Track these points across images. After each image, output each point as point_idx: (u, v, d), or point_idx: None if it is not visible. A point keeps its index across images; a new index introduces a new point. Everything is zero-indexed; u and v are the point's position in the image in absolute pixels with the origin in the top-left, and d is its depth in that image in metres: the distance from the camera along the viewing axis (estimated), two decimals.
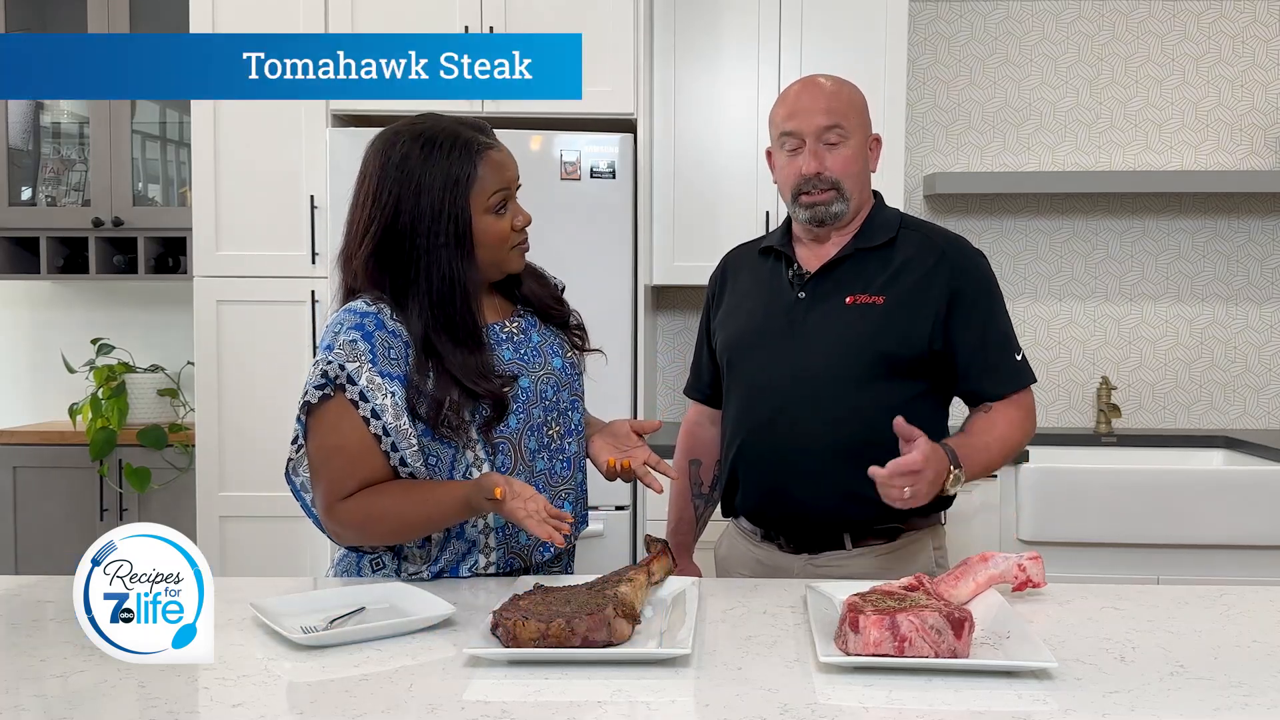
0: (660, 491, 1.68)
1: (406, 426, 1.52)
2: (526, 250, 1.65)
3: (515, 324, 1.67)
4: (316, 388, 1.52)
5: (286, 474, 1.62)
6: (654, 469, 1.64)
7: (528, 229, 1.63)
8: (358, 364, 1.51)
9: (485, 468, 1.58)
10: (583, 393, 1.72)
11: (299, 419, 1.56)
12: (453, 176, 1.53)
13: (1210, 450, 3.48)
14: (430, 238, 1.53)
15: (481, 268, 1.59)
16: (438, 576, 1.60)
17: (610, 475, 1.66)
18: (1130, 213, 3.68)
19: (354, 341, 1.52)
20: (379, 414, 1.51)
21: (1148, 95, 3.66)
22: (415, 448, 1.54)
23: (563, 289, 1.80)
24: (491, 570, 1.62)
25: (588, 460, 1.73)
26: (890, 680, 1.19)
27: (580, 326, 1.77)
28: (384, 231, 1.55)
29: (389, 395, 1.51)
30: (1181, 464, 3.42)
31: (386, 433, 1.52)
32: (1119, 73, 3.66)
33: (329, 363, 1.52)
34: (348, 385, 1.51)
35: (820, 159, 1.79)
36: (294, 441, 1.58)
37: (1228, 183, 3.49)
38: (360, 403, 1.51)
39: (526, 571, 1.64)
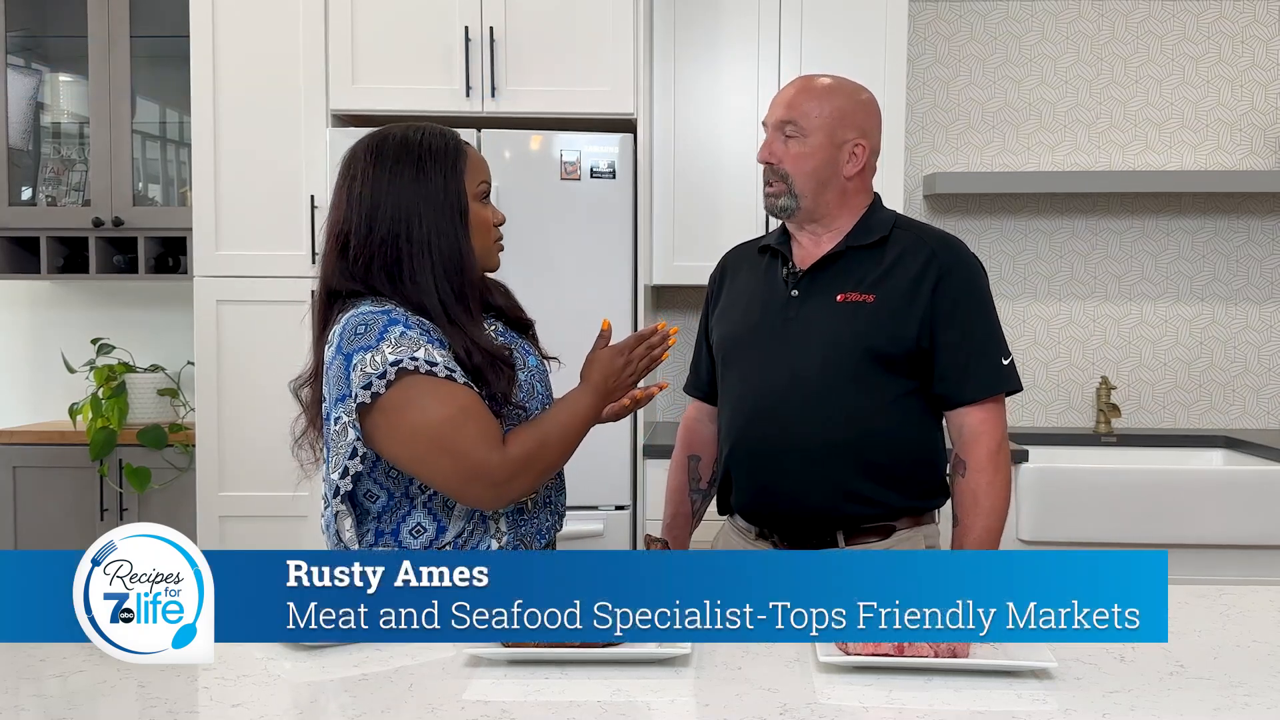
0: (666, 386, 1.71)
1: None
2: (502, 251, 1.70)
3: (491, 328, 1.70)
4: (379, 377, 1.48)
5: (345, 495, 1.52)
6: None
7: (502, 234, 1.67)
8: (419, 348, 1.49)
9: None
10: (552, 395, 1.74)
11: (354, 425, 1.49)
12: (450, 159, 1.60)
13: (1210, 450, 3.48)
14: (437, 216, 1.57)
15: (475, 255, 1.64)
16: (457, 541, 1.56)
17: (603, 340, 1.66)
18: (1130, 213, 3.68)
19: (402, 333, 1.50)
20: (452, 371, 1.50)
21: (1148, 95, 3.66)
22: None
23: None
24: None
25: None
26: (890, 680, 1.19)
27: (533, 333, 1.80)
28: (375, 224, 1.56)
29: (452, 359, 1.52)
30: (1181, 464, 3.42)
31: (469, 385, 1.52)
32: (1119, 73, 3.66)
33: (391, 362, 1.48)
34: (423, 366, 1.48)
35: (771, 148, 1.83)
36: (353, 455, 1.50)
37: (1227, 183, 3.49)
38: (437, 371, 1.49)
39: None
